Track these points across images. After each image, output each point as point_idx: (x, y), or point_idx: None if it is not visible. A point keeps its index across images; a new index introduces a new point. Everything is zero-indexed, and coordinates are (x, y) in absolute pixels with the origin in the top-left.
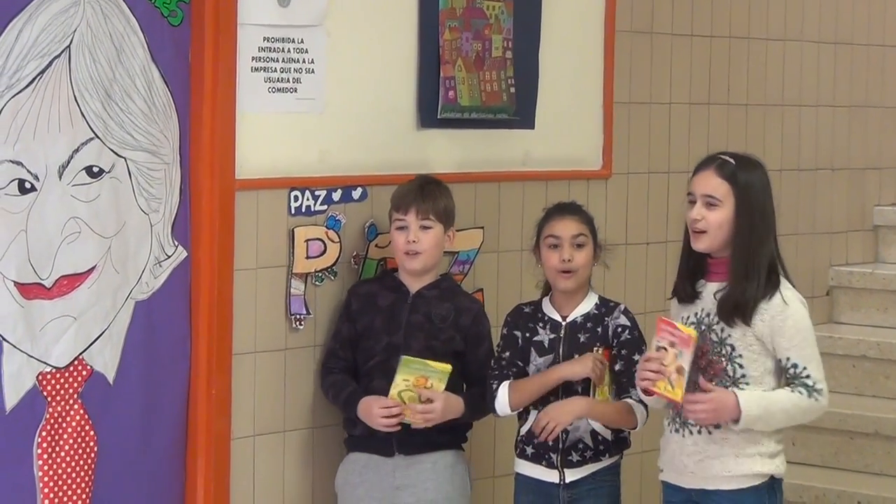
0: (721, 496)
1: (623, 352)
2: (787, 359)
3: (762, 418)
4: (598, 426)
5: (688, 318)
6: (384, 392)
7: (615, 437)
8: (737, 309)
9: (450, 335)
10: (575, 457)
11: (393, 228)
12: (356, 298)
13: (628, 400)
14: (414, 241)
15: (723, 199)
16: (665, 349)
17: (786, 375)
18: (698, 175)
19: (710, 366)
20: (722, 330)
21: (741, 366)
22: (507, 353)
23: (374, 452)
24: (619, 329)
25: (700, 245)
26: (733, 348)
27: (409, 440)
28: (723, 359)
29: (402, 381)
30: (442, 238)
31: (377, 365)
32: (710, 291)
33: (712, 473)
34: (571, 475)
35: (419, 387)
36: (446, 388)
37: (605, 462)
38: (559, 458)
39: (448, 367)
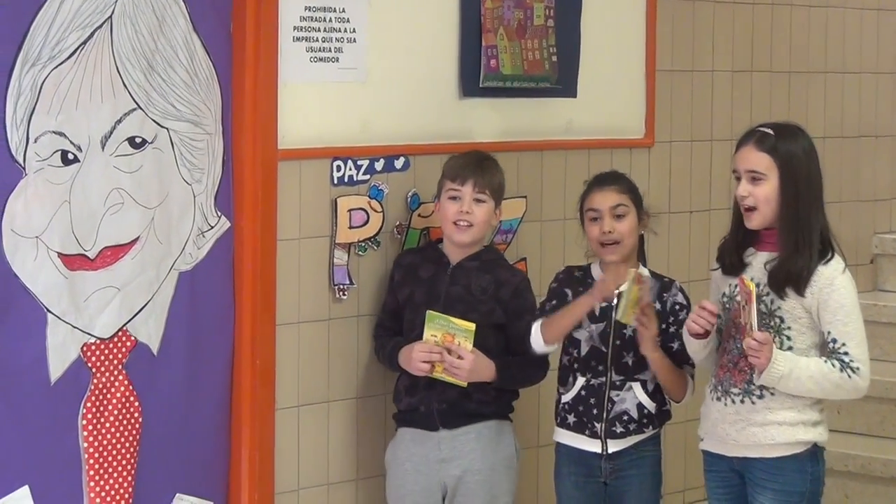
0: (763, 463)
1: (681, 330)
2: (828, 333)
3: (787, 377)
4: (644, 399)
5: (735, 286)
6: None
7: (658, 409)
8: (789, 280)
9: (490, 307)
10: (619, 428)
11: (445, 197)
12: (399, 269)
13: (686, 370)
14: (467, 213)
15: (766, 172)
16: (744, 306)
17: (827, 349)
18: (740, 151)
19: None
20: (772, 301)
21: (789, 338)
22: (554, 302)
23: (419, 427)
24: (677, 307)
25: (753, 223)
26: (782, 320)
27: (452, 413)
28: (771, 330)
29: (430, 336)
30: (492, 214)
31: (418, 337)
32: (761, 261)
33: (754, 441)
34: (614, 446)
35: (447, 343)
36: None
37: (648, 433)
38: (603, 429)
39: (472, 326)
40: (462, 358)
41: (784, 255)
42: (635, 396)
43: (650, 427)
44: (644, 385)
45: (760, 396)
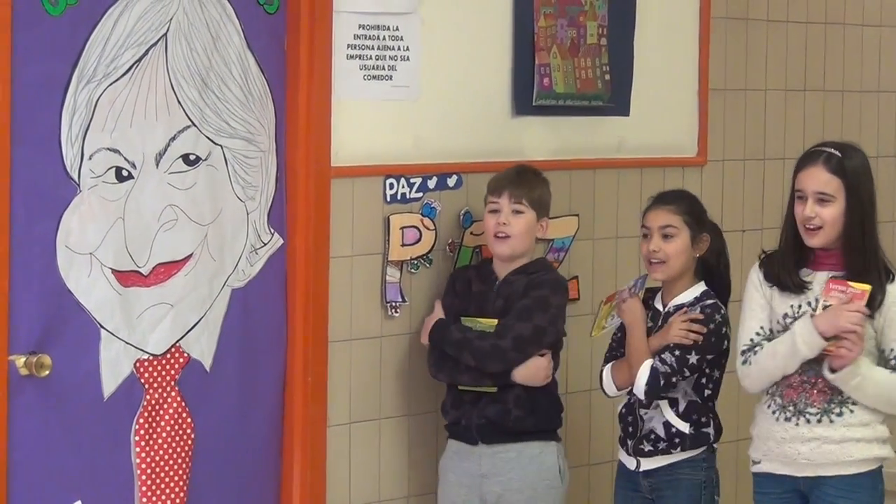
0: (838, 481)
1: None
2: (892, 350)
3: (862, 379)
4: (671, 417)
5: (799, 306)
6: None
7: (695, 431)
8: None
9: None
10: (647, 446)
11: (486, 211)
12: (460, 280)
13: (650, 360)
14: (504, 224)
15: (835, 193)
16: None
17: (888, 367)
18: (806, 171)
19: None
20: None
21: None
22: (618, 335)
23: (462, 440)
24: (713, 326)
25: (815, 241)
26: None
27: (491, 429)
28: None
29: None
30: (534, 226)
31: None
32: (821, 280)
33: (832, 459)
34: (646, 464)
35: None
36: None
37: (682, 455)
38: (633, 446)
39: (494, 321)
40: None
41: (853, 276)
42: (662, 415)
43: (679, 448)
44: (674, 403)
45: (840, 414)
